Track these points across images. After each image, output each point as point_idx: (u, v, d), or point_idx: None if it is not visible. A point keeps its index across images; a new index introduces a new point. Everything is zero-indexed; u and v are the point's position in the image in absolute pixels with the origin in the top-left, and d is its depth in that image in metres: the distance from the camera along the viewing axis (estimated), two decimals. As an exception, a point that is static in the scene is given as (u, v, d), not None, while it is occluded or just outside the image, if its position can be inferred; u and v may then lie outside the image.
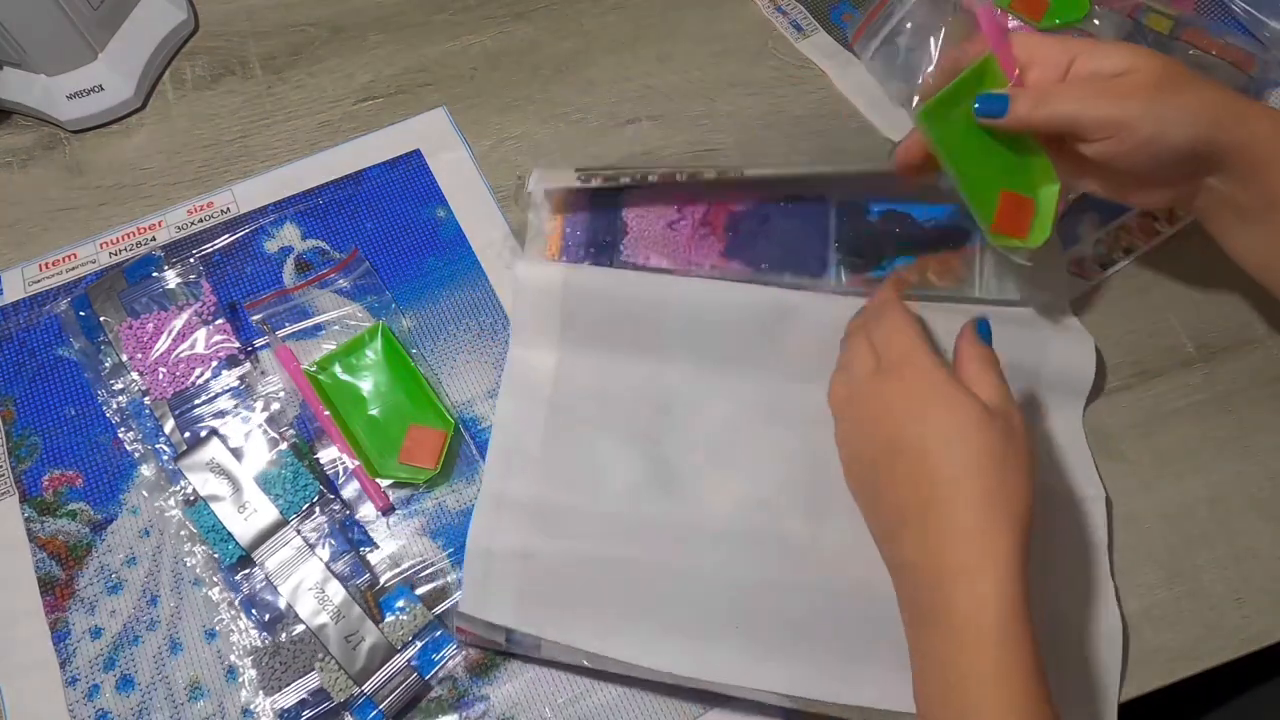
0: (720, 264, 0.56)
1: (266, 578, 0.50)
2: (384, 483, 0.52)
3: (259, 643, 0.49)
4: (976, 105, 0.46)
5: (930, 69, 0.57)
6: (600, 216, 0.57)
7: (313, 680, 0.48)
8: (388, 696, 0.47)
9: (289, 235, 0.61)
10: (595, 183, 0.55)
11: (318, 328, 0.57)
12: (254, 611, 0.50)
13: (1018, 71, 0.47)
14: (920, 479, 0.42)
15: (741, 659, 0.47)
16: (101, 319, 0.56)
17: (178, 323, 0.56)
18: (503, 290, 0.58)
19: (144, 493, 0.53)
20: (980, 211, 0.48)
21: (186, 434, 0.54)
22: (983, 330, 0.47)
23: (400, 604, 0.50)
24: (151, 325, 0.56)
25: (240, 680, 0.49)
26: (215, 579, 0.51)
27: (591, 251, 0.56)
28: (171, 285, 0.57)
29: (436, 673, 0.49)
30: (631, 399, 0.54)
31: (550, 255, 0.56)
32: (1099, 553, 0.51)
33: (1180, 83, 0.44)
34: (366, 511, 0.53)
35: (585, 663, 0.47)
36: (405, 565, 0.51)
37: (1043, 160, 0.48)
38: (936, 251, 0.56)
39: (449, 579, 0.51)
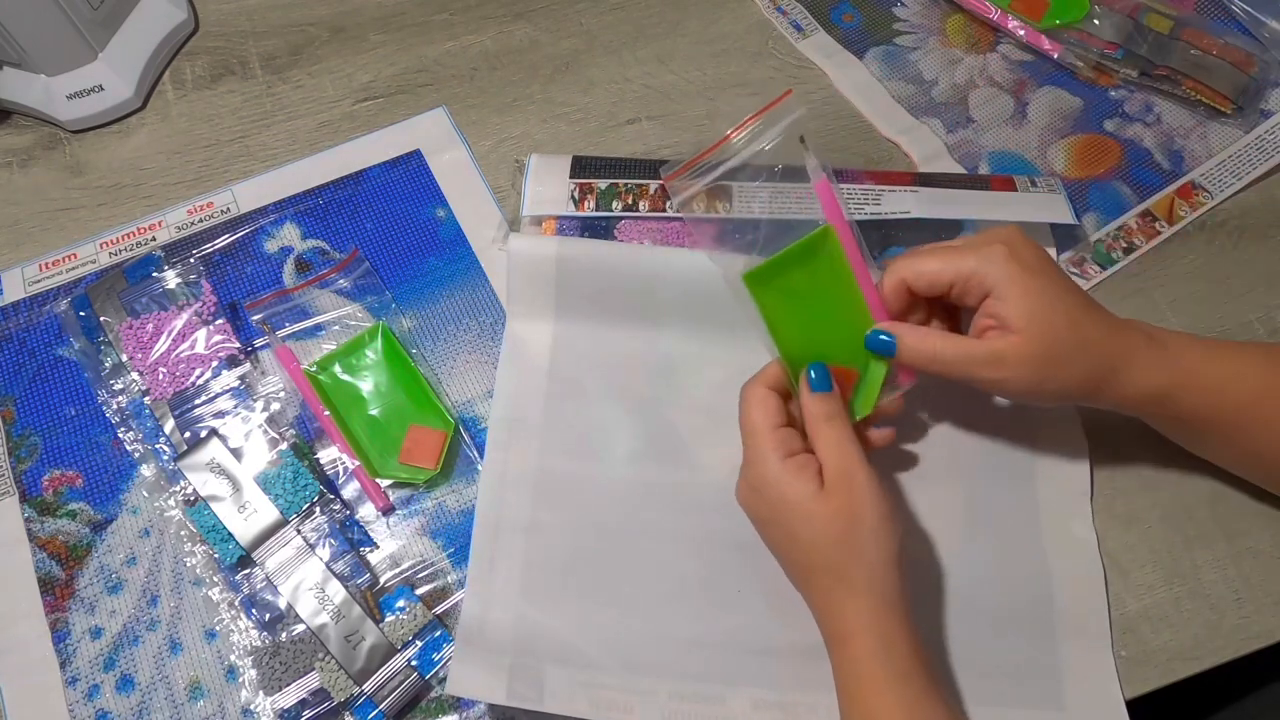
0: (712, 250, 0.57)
1: (267, 578, 0.50)
2: (384, 483, 0.52)
3: (259, 643, 0.49)
4: (870, 343, 0.46)
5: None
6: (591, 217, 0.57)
7: (313, 680, 0.48)
8: (388, 696, 0.47)
9: (289, 235, 0.61)
10: (586, 205, 0.56)
11: (318, 328, 0.57)
12: (254, 611, 0.50)
13: (856, 243, 0.47)
14: (789, 563, 0.46)
15: (744, 620, 0.49)
16: (101, 319, 0.56)
17: (178, 323, 0.56)
18: (502, 289, 0.58)
19: (144, 493, 0.53)
20: (796, 380, 0.47)
21: (186, 434, 0.54)
22: (817, 381, 0.46)
23: (400, 604, 0.50)
24: (151, 325, 0.56)
25: (240, 680, 0.49)
26: (215, 579, 0.51)
27: (585, 235, 0.57)
28: (171, 285, 0.57)
29: (437, 672, 0.49)
30: (628, 366, 0.55)
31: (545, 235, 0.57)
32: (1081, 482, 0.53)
33: (1060, 355, 0.44)
34: (366, 511, 0.53)
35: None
36: (405, 565, 0.51)
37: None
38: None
39: (449, 579, 0.51)
